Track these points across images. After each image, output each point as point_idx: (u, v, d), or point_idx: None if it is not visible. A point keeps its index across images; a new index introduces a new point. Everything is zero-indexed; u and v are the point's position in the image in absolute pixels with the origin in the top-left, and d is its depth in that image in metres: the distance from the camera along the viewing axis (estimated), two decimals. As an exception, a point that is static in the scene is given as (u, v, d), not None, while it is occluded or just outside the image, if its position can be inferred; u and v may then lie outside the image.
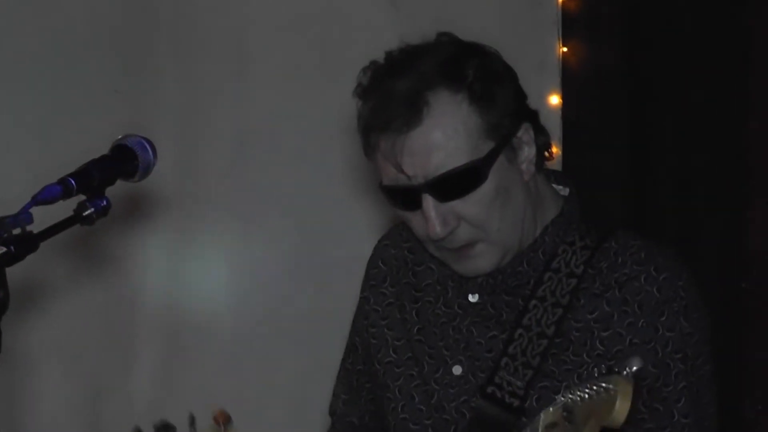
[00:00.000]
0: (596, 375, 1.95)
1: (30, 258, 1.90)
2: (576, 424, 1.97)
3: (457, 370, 2.46)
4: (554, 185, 2.55)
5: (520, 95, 2.42)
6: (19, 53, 4.34)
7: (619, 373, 1.91)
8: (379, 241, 2.74)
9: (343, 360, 2.81)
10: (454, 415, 2.46)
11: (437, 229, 2.30)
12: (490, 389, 2.39)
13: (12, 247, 1.85)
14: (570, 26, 4.25)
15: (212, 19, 4.54)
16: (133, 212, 4.08)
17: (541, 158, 2.46)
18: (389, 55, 2.39)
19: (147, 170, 2.06)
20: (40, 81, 4.35)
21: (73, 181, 1.96)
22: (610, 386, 1.90)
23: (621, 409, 1.89)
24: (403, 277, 2.60)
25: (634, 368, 1.92)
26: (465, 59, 2.33)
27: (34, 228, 1.89)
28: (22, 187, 2.01)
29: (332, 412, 2.82)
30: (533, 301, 2.40)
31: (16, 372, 4.05)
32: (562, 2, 4.24)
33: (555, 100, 4.23)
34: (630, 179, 4.25)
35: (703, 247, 4.17)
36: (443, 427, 2.47)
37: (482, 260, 2.40)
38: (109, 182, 2.02)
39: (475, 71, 2.29)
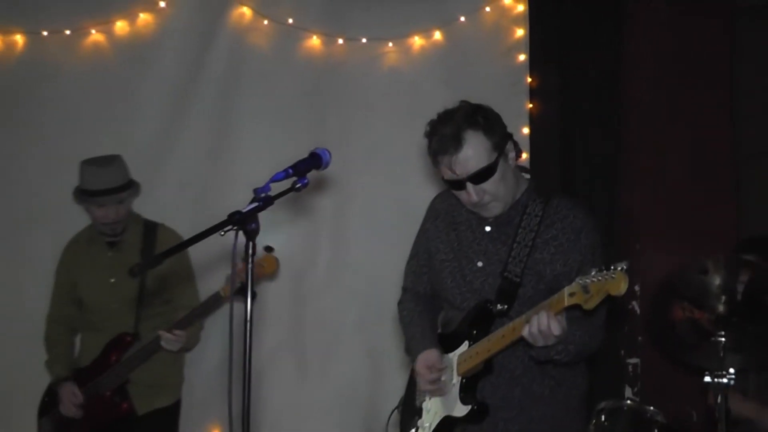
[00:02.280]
0: (603, 269, 3.23)
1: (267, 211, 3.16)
2: (590, 293, 3.24)
3: (479, 264, 3.78)
4: (522, 174, 3.88)
5: (504, 127, 3.73)
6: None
7: (618, 268, 3.21)
8: (433, 200, 4.08)
9: (409, 261, 4.11)
10: (478, 287, 3.75)
11: (474, 198, 3.66)
12: (505, 273, 3.68)
13: (261, 203, 3.11)
14: (532, 93, 6.06)
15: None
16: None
17: (516, 159, 3.78)
18: (439, 114, 3.75)
19: (326, 165, 3.32)
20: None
21: (291, 170, 3.22)
22: (614, 275, 3.21)
23: (623, 286, 3.18)
24: (447, 217, 3.93)
25: (624, 267, 3.21)
26: (477, 112, 3.68)
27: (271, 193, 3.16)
28: (269, 175, 3.22)
29: (404, 289, 4.12)
30: (519, 230, 3.73)
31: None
32: (529, 82, 6.02)
33: (526, 131, 5.93)
34: (561, 172, 6.12)
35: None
36: (472, 294, 3.76)
37: (495, 209, 3.73)
38: (308, 171, 3.25)
39: (483, 118, 3.66)
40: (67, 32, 6.17)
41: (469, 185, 3.63)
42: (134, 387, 5.09)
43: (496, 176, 3.64)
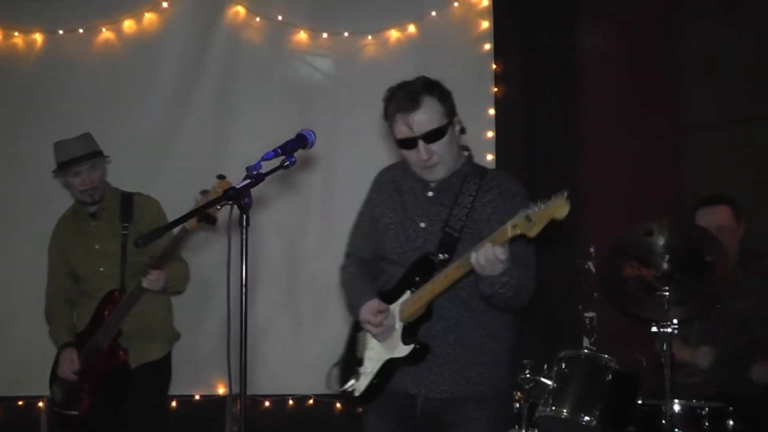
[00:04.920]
0: (543, 200, 3.21)
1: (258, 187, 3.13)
2: (533, 222, 3.22)
3: (422, 224, 3.71)
4: (463, 151, 3.80)
5: (453, 103, 3.68)
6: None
7: (562, 194, 3.18)
8: (378, 174, 3.96)
9: (353, 230, 3.99)
10: (420, 245, 3.67)
11: (424, 156, 3.59)
12: (446, 229, 3.62)
13: (253, 179, 3.08)
14: (497, 78, 6.16)
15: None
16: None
17: (460, 134, 3.72)
18: (397, 84, 3.70)
19: (312, 145, 3.27)
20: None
21: (279, 149, 3.16)
22: (556, 200, 3.18)
23: (566, 209, 3.15)
24: (391, 185, 3.84)
25: (566, 193, 3.18)
26: (432, 83, 3.65)
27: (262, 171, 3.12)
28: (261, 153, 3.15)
29: (348, 254, 4.00)
30: (460, 195, 3.67)
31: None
32: (494, 69, 6.10)
33: (492, 112, 6.05)
34: (524, 148, 6.20)
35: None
36: (414, 252, 3.68)
37: (439, 172, 3.66)
38: (295, 150, 3.20)
39: (438, 88, 3.63)
40: (81, 31, 6.24)
41: (421, 143, 3.57)
42: (127, 339, 5.02)
43: (446, 139, 3.60)
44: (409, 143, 3.60)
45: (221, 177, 4.62)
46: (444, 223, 3.63)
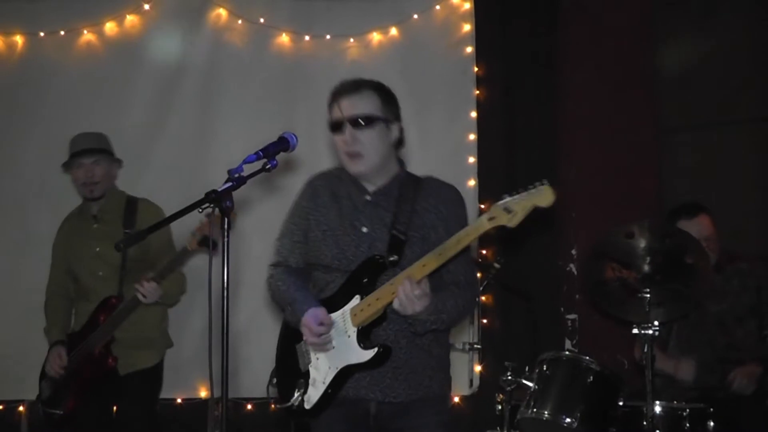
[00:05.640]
0: (519, 192, 3.17)
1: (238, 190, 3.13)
2: (514, 212, 3.17)
3: (364, 229, 3.60)
4: (399, 159, 3.73)
5: (399, 113, 3.65)
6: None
7: (541, 183, 3.14)
8: (311, 180, 3.82)
9: (280, 239, 3.83)
10: (365, 250, 3.57)
11: (348, 139, 3.54)
12: (393, 231, 3.54)
13: (235, 182, 3.08)
14: (479, 81, 6.19)
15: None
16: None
17: (398, 144, 3.67)
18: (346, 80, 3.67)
19: (294, 148, 3.28)
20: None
21: (261, 153, 3.16)
22: (541, 188, 3.14)
23: (551, 197, 3.10)
24: (326, 192, 3.73)
25: (546, 181, 3.13)
26: (382, 85, 3.62)
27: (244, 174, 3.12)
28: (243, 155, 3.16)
29: (274, 265, 3.82)
30: (399, 202, 3.60)
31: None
32: (476, 71, 6.13)
33: (474, 114, 6.08)
34: (506, 150, 6.19)
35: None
36: (358, 258, 3.57)
37: (361, 165, 3.57)
38: (276, 153, 3.21)
39: (385, 91, 3.60)
40: (62, 33, 6.21)
41: (348, 127, 3.53)
42: (120, 346, 5.00)
43: (374, 132, 3.55)
44: (336, 126, 3.57)
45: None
46: (390, 226, 3.57)
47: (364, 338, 3.51)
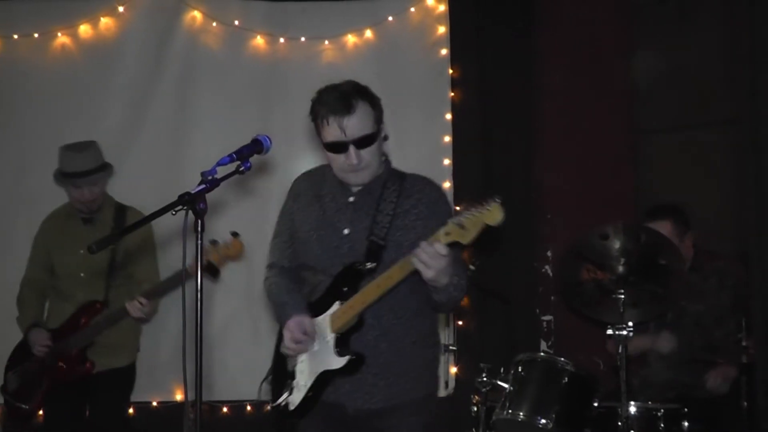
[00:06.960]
0: (476, 205, 3.15)
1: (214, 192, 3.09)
2: (467, 229, 3.17)
3: (346, 231, 3.61)
4: (384, 155, 3.71)
5: (382, 109, 3.61)
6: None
7: (492, 201, 3.12)
8: (294, 182, 3.85)
9: (273, 240, 3.86)
10: (345, 252, 3.58)
11: (354, 161, 3.51)
12: (371, 237, 3.53)
13: (208, 185, 3.04)
14: (454, 83, 6.20)
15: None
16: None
17: (384, 140, 3.65)
18: (324, 86, 3.59)
19: (267, 150, 3.25)
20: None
21: (234, 155, 3.14)
22: (489, 207, 3.13)
23: (500, 216, 3.09)
24: (309, 193, 3.74)
25: (498, 199, 3.11)
26: (363, 87, 3.58)
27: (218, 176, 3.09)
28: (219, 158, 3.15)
29: (270, 266, 3.86)
30: (381, 202, 3.60)
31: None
32: (451, 73, 6.19)
33: (449, 117, 6.11)
34: (482, 152, 6.18)
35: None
36: (340, 259, 3.58)
37: (365, 177, 3.58)
38: (250, 155, 3.18)
39: (369, 94, 3.55)
40: (36, 35, 6.16)
41: (353, 148, 3.51)
42: (94, 348, 5.05)
43: (375, 146, 3.56)
44: (339, 147, 3.53)
45: (235, 235, 4.83)
46: (368, 231, 3.56)
47: (342, 344, 3.52)
